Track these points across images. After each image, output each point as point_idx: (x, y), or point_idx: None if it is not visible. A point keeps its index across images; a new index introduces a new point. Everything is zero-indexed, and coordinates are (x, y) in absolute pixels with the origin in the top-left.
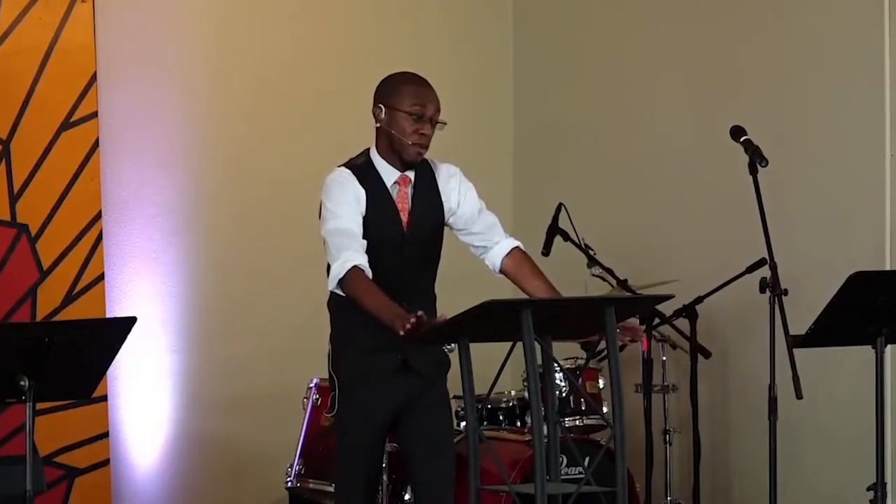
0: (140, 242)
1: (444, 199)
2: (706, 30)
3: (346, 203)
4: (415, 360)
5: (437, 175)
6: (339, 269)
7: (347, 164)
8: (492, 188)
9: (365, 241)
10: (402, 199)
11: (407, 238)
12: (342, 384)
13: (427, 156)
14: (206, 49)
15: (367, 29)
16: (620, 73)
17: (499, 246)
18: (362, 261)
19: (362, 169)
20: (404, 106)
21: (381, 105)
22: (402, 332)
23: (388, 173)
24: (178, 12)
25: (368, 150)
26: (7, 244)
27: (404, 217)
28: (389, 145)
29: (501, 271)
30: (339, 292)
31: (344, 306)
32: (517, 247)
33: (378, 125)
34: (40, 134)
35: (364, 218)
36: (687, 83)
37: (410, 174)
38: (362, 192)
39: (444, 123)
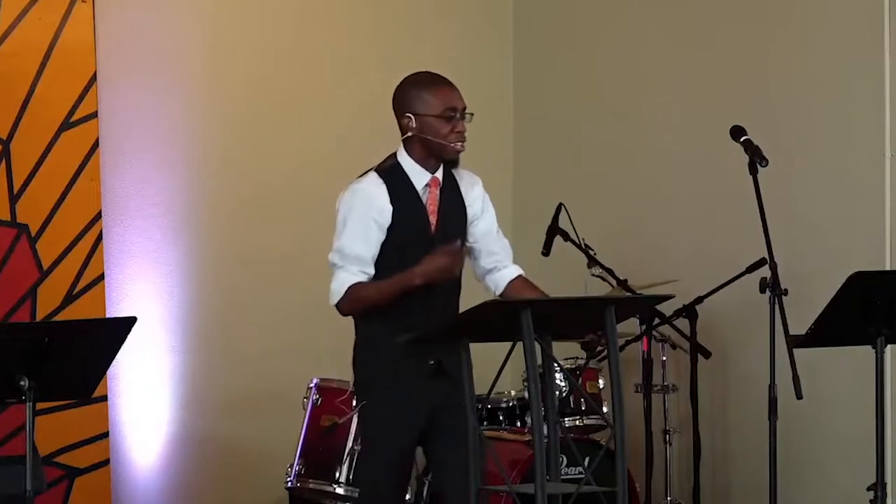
0: (140, 242)
1: (467, 204)
2: (706, 30)
3: (362, 224)
4: (447, 363)
5: (459, 180)
6: (336, 289)
7: (377, 169)
8: (492, 188)
9: (371, 268)
10: (433, 202)
11: (436, 240)
12: (374, 389)
13: None
14: (205, 49)
15: (367, 29)
16: (620, 73)
17: (507, 270)
18: (360, 279)
19: (392, 174)
20: (436, 111)
21: (409, 115)
22: (421, 279)
23: (419, 176)
24: (177, 13)
25: (395, 154)
26: (7, 244)
27: (433, 219)
28: (425, 150)
29: (501, 294)
30: (339, 312)
31: (375, 312)
32: (522, 274)
33: (409, 134)
34: (40, 134)
35: (394, 225)
36: (687, 83)
37: (439, 174)
38: (388, 203)
39: (472, 114)
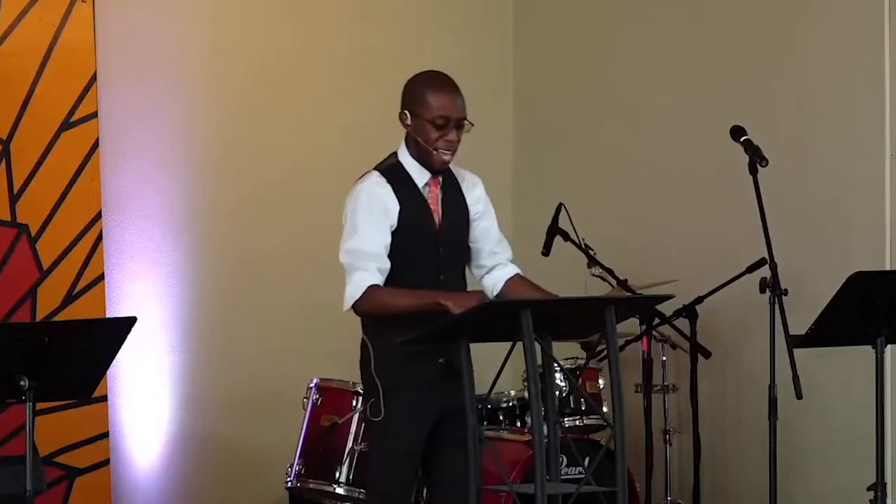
0: (140, 242)
1: (469, 203)
2: (706, 30)
3: (372, 219)
4: (457, 363)
5: (460, 180)
6: (352, 291)
7: (378, 168)
8: (492, 188)
9: (387, 262)
10: (434, 200)
11: (441, 238)
12: (385, 389)
13: None
14: (205, 49)
15: (368, 30)
16: (621, 73)
17: (506, 269)
18: (377, 280)
19: (394, 172)
20: (429, 115)
21: (406, 111)
22: (458, 310)
23: (419, 174)
24: (177, 12)
25: (396, 152)
26: (7, 244)
27: (437, 217)
28: (417, 151)
29: (499, 292)
30: (354, 312)
31: (378, 332)
32: (519, 273)
33: (406, 130)
34: (40, 134)
35: (399, 221)
36: (687, 83)
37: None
38: (394, 201)
39: (472, 124)
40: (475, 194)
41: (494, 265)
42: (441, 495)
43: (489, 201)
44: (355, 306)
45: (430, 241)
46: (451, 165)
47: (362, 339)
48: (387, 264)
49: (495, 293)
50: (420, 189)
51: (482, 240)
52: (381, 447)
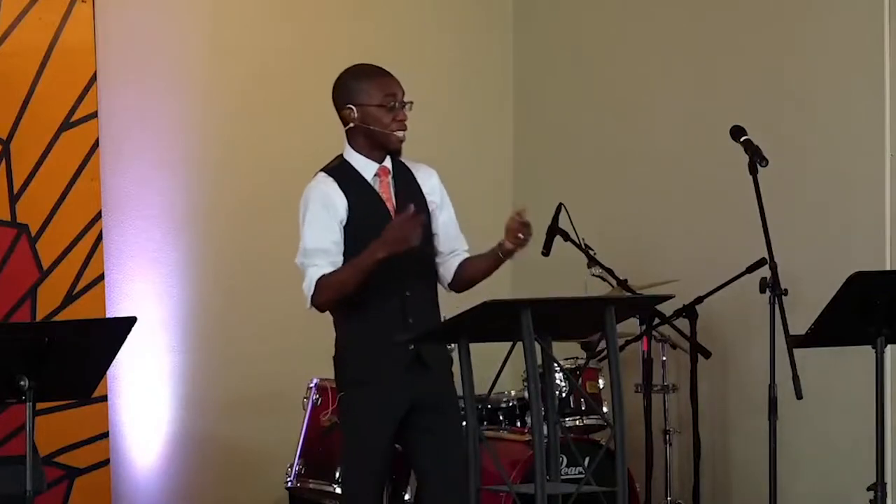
0: (140, 242)
1: (426, 192)
2: (706, 30)
3: (318, 218)
4: (426, 354)
5: (414, 172)
6: (307, 289)
7: (323, 169)
8: (492, 188)
9: (339, 257)
10: (385, 190)
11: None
12: (350, 384)
13: (404, 155)
14: (205, 49)
15: (368, 30)
16: (621, 73)
17: (457, 257)
18: (328, 270)
19: (340, 170)
20: (376, 100)
21: (349, 106)
22: (400, 247)
23: (367, 167)
24: (177, 13)
25: (341, 153)
26: (7, 244)
27: (391, 206)
28: (369, 141)
29: (451, 282)
30: (317, 310)
31: (348, 305)
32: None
33: (351, 125)
34: (40, 134)
35: (351, 216)
36: (687, 83)
37: (388, 164)
38: (341, 196)
39: (412, 102)
40: (431, 184)
41: (452, 252)
42: (427, 486)
43: (446, 193)
44: (313, 301)
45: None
46: (403, 158)
47: (335, 338)
48: (339, 258)
49: (449, 280)
50: (369, 181)
51: (442, 229)
52: (349, 443)
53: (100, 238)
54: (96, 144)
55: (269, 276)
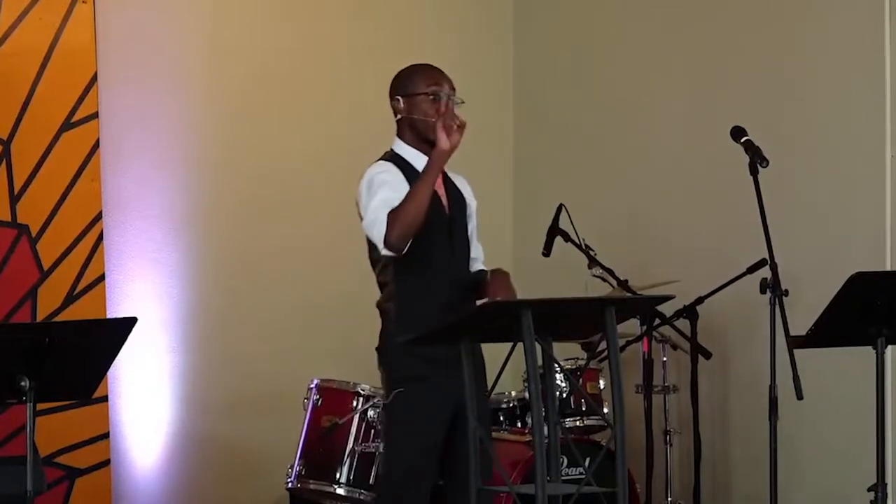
0: (140, 243)
1: (465, 196)
2: (706, 30)
3: (388, 183)
4: (478, 355)
5: (452, 177)
6: (379, 230)
7: (381, 159)
8: (492, 188)
9: None
10: (439, 184)
11: (453, 220)
12: (401, 381)
13: None
14: (205, 49)
15: (368, 30)
16: (621, 74)
17: (475, 262)
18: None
19: (395, 160)
20: (420, 89)
21: (398, 97)
22: (455, 136)
23: (419, 160)
24: (177, 13)
25: (391, 148)
26: (7, 244)
27: (445, 200)
28: (414, 133)
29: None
30: (390, 252)
31: (403, 296)
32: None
33: (399, 117)
34: (41, 134)
35: None
36: (687, 83)
37: None
38: (404, 181)
39: (462, 101)
40: (468, 189)
41: (471, 260)
42: (456, 494)
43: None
44: (387, 237)
45: (442, 223)
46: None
47: (381, 329)
48: None
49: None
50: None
51: (470, 240)
52: (398, 437)
53: (100, 238)
54: (97, 145)
55: (269, 276)
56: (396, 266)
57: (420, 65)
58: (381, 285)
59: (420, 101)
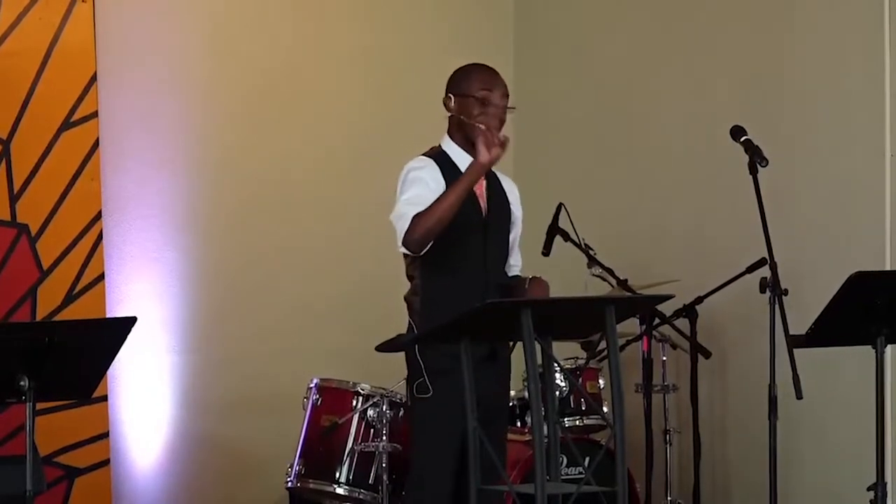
0: (140, 242)
1: (511, 202)
2: (706, 30)
3: (423, 181)
4: (500, 350)
5: (501, 180)
6: (401, 226)
7: (425, 154)
8: None
9: None
10: (479, 185)
11: (488, 222)
12: (431, 373)
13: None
14: (205, 49)
15: (368, 30)
16: (621, 73)
17: (511, 269)
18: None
19: (439, 157)
20: (471, 91)
21: (450, 94)
22: (495, 151)
23: (463, 160)
24: (177, 13)
25: (440, 144)
26: (7, 244)
27: (483, 203)
28: (462, 133)
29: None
30: (407, 251)
31: (431, 290)
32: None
33: (449, 115)
34: (40, 134)
35: None
36: (687, 83)
37: None
38: (441, 179)
39: (514, 108)
40: (515, 195)
41: (509, 266)
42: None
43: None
44: (406, 237)
45: (477, 226)
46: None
47: (409, 322)
48: None
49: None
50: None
51: (510, 247)
52: (426, 427)
53: (100, 238)
54: (96, 144)
55: (269, 276)
56: (424, 262)
57: (477, 65)
58: (410, 278)
59: (470, 102)
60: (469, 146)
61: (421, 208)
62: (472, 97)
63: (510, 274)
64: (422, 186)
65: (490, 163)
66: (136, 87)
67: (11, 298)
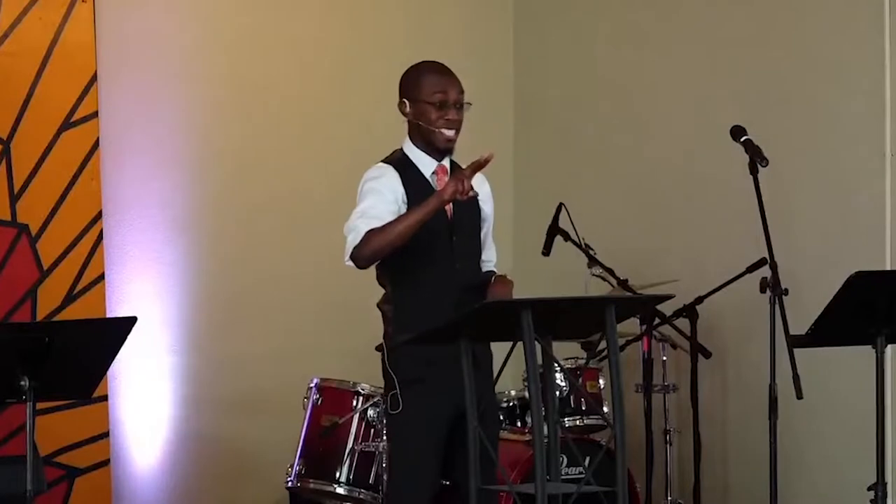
0: (140, 242)
1: (480, 199)
2: (706, 30)
3: (381, 191)
4: (478, 352)
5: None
6: (352, 239)
7: (384, 160)
8: (492, 188)
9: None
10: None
11: (454, 226)
12: (403, 383)
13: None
14: (206, 49)
15: (368, 29)
16: (621, 73)
17: (486, 264)
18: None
19: (400, 162)
20: (426, 96)
21: (404, 99)
22: (461, 193)
23: (425, 164)
24: (178, 12)
25: (401, 147)
26: (7, 244)
27: (448, 206)
28: (421, 136)
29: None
30: (352, 265)
31: (402, 298)
32: (495, 272)
33: (407, 119)
34: (41, 134)
35: (408, 208)
36: (687, 83)
37: (446, 163)
38: (400, 187)
39: (470, 104)
40: (484, 190)
41: (483, 262)
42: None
43: (492, 205)
44: (354, 252)
45: (443, 229)
46: (455, 161)
47: (384, 329)
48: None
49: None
50: (427, 178)
51: (483, 243)
52: (400, 445)
53: (100, 238)
54: (96, 144)
55: (269, 277)
56: (394, 270)
57: (427, 67)
58: (381, 286)
59: (426, 108)
60: (430, 149)
61: (374, 222)
62: (428, 103)
63: (484, 270)
64: (376, 197)
65: (450, 200)
66: (136, 87)
67: (11, 298)
